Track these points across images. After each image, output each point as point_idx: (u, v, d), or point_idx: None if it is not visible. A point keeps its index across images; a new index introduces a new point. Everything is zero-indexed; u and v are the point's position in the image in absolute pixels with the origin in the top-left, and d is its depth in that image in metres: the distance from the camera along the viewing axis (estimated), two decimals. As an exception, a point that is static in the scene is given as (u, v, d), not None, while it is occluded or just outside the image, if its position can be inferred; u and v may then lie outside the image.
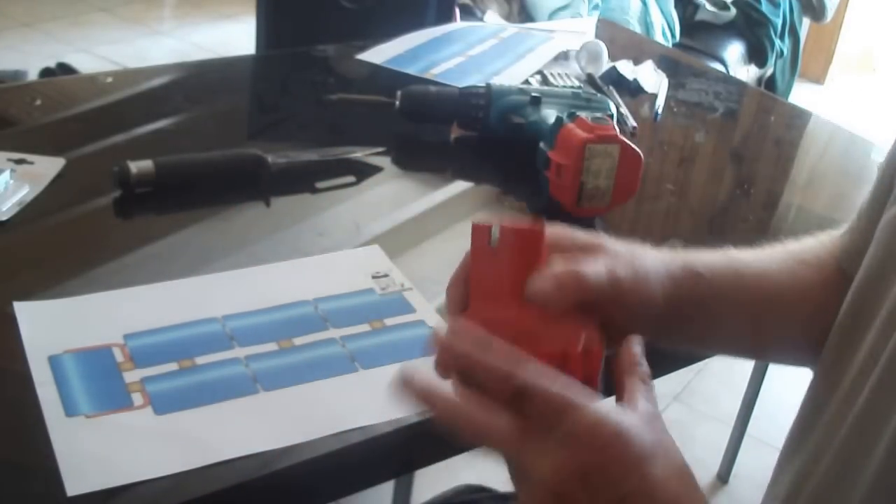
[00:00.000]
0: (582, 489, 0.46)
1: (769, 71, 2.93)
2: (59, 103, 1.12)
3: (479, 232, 0.54)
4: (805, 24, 3.17)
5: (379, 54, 1.30)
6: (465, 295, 0.55)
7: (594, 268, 0.54)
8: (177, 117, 1.11)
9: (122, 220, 0.92)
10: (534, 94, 1.06)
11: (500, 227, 0.54)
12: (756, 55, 2.84)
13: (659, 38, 2.50)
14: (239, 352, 0.71)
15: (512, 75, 1.27)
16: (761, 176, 1.22)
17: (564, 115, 0.95)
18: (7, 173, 0.88)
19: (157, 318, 0.74)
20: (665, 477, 0.47)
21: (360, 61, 1.28)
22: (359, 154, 1.02)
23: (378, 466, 0.70)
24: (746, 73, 2.78)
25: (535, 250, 0.54)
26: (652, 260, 0.59)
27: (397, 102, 1.09)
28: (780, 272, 0.67)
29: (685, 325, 0.63)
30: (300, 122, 1.16)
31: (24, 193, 0.87)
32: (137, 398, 0.66)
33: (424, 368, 0.51)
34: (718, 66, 2.53)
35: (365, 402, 0.68)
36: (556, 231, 0.56)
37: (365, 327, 0.76)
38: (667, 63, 1.45)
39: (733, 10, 2.80)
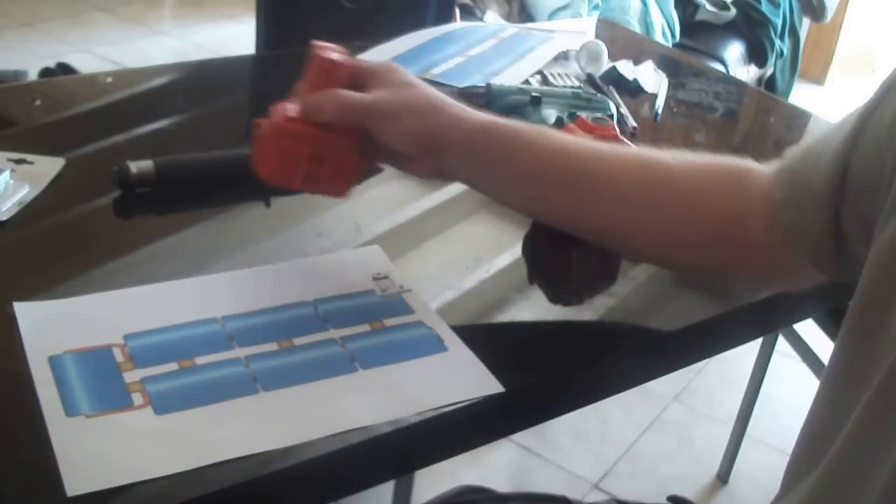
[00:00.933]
0: None
1: (769, 71, 2.93)
2: (59, 103, 1.12)
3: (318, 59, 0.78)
4: (805, 24, 3.17)
5: (379, 54, 1.30)
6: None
7: (360, 96, 0.75)
8: (177, 117, 1.11)
9: (122, 220, 0.91)
10: (534, 94, 1.06)
11: (314, 55, 0.78)
12: (756, 55, 2.84)
13: (659, 38, 2.50)
14: (239, 352, 0.71)
15: (512, 75, 1.27)
16: (761, 176, 1.22)
17: (565, 116, 0.96)
18: (7, 173, 0.88)
19: (157, 318, 0.74)
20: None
21: (360, 61, 1.28)
22: (359, 154, 1.02)
23: (378, 466, 0.70)
24: (746, 73, 2.78)
25: (336, 77, 0.77)
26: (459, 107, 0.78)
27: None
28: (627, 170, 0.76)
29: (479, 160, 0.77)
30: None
31: (24, 193, 0.87)
32: (137, 398, 0.66)
33: None
34: (718, 66, 2.54)
35: (365, 402, 0.68)
36: (351, 63, 0.78)
37: (365, 328, 0.76)
38: (667, 63, 1.45)
39: (733, 10, 2.80)
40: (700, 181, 0.74)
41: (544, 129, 0.79)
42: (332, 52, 0.79)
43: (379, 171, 1.02)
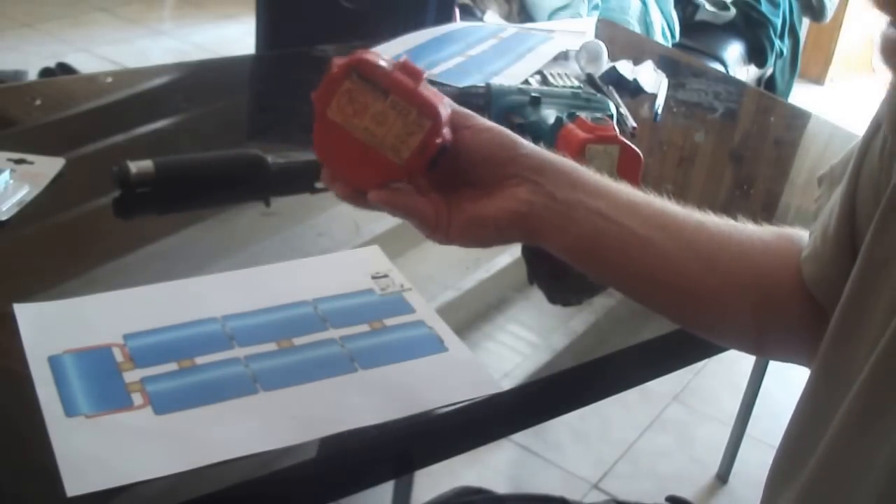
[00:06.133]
0: None
1: (769, 71, 2.93)
2: (59, 103, 1.13)
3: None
4: (805, 24, 3.17)
5: (379, 54, 1.29)
6: None
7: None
8: (177, 117, 1.11)
9: (122, 220, 0.92)
10: (534, 95, 1.06)
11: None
12: (756, 55, 2.84)
13: (659, 38, 2.49)
14: (239, 352, 0.71)
15: (512, 75, 1.27)
16: (761, 176, 1.22)
17: (564, 116, 0.95)
18: (7, 173, 0.88)
19: (157, 318, 0.74)
20: None
21: (360, 61, 1.28)
22: (359, 154, 1.02)
23: (378, 466, 0.70)
24: (746, 73, 2.78)
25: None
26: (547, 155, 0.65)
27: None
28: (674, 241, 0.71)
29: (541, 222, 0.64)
30: (300, 122, 1.15)
31: (24, 193, 0.87)
32: (137, 398, 0.66)
33: None
34: (718, 67, 2.53)
35: (365, 402, 0.68)
36: None
37: (364, 327, 0.76)
38: (667, 63, 1.45)
39: (733, 11, 2.80)
40: (762, 234, 0.73)
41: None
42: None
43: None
